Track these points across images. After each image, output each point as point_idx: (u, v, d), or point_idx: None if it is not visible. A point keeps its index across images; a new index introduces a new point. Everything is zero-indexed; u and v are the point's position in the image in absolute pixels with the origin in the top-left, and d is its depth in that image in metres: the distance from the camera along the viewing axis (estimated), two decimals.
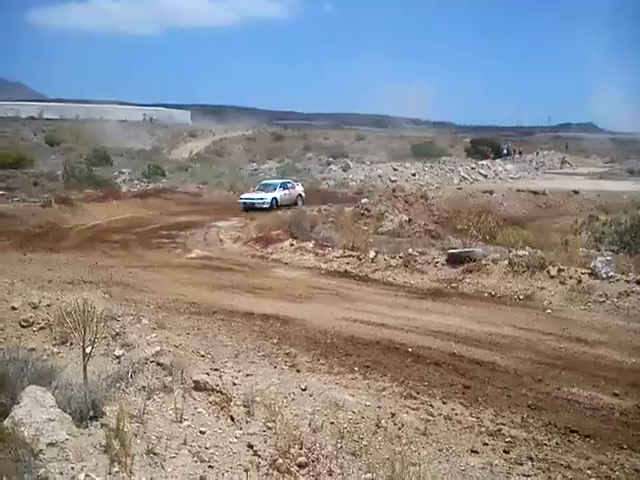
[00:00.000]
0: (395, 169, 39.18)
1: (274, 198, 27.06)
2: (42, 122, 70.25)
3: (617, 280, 10.84)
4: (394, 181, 35.97)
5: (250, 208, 26.42)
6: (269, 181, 30.51)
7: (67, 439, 4.50)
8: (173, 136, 71.65)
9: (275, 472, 4.68)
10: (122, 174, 37.34)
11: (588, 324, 9.46)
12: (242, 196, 27.92)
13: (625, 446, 5.50)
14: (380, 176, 37.52)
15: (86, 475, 4.19)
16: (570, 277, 11.17)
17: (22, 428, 4.41)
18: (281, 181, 29.90)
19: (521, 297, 11.01)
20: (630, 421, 6.10)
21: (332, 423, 5.53)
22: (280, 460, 4.81)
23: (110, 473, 4.38)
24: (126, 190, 31.41)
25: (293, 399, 5.97)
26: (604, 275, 10.96)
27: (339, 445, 5.18)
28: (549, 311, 10.18)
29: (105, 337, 6.92)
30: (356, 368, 7.16)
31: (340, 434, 5.34)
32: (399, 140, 71.89)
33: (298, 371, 6.92)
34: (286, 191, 28.18)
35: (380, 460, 4.96)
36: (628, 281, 10.72)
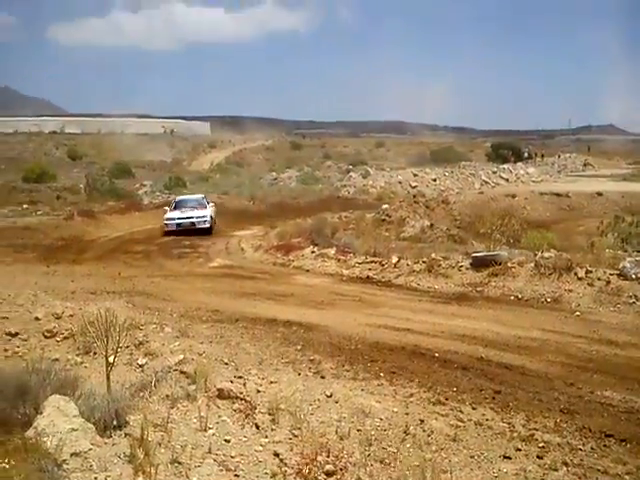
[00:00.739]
0: (415, 175, 38.96)
1: (211, 216, 22.77)
2: (64, 136, 71.19)
3: None
4: (415, 187, 35.75)
5: (184, 231, 21.47)
6: (187, 197, 25.57)
7: (90, 449, 4.45)
8: (193, 147, 72.18)
9: None
10: (144, 186, 37.60)
11: (618, 326, 9.21)
12: (168, 216, 22.38)
13: None
14: (400, 182, 37.32)
15: None
16: (598, 279, 10.90)
17: (45, 438, 4.37)
18: (201, 196, 25.51)
19: (548, 300, 10.77)
20: None
21: (359, 430, 5.41)
22: (307, 468, 4.69)
23: None
24: (148, 202, 31.60)
25: (318, 406, 5.86)
26: (633, 276, 10.68)
27: (367, 453, 5.05)
28: (578, 313, 9.93)
29: (128, 346, 6.90)
30: (382, 374, 7.03)
31: (368, 441, 5.21)
32: (418, 146, 71.64)
33: (323, 377, 6.80)
34: (213, 208, 23.76)
35: (410, 467, 4.82)
36: None
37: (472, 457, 5.06)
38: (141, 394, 5.73)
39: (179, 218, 22.29)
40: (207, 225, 22.23)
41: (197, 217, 22.35)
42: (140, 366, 6.72)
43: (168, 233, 21.76)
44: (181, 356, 6.65)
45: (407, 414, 5.79)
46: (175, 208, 23.26)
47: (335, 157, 59.08)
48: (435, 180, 38.33)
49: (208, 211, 22.86)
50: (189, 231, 21.52)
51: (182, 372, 6.22)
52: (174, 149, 68.53)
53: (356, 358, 7.63)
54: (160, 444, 4.85)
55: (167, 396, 5.70)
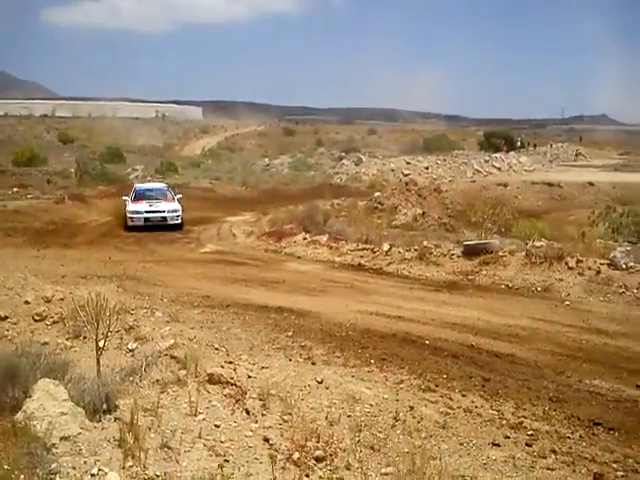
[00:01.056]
0: (408, 163, 38.88)
1: (181, 209, 20.07)
2: (55, 120, 70.62)
3: (637, 271, 10.62)
4: (407, 175, 35.70)
5: (151, 226, 19.09)
6: (149, 185, 22.82)
7: (80, 433, 4.43)
8: (185, 132, 71.77)
9: (292, 466, 4.58)
10: (135, 171, 37.34)
11: (608, 315, 9.27)
12: (132, 208, 19.53)
13: None
14: (393, 170, 37.26)
15: (99, 469, 4.11)
16: (589, 268, 10.96)
17: (34, 422, 4.34)
18: (165, 185, 22.74)
19: (539, 289, 10.82)
20: None
21: (349, 416, 5.42)
22: (297, 454, 4.70)
23: (124, 468, 4.30)
24: None
25: (309, 392, 5.87)
26: (623, 266, 10.74)
27: (357, 439, 5.06)
28: (568, 303, 9.99)
29: (118, 331, 6.86)
30: (372, 361, 7.04)
31: (358, 427, 5.22)
32: (411, 134, 71.49)
33: (314, 364, 6.81)
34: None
35: (399, 454, 4.84)
36: None
37: (461, 444, 5.09)
38: (131, 378, 5.70)
39: (147, 212, 19.48)
40: (179, 221, 19.72)
41: (169, 211, 19.64)
42: (130, 350, 6.68)
43: (130, 228, 19.12)
44: (172, 341, 6.62)
45: (397, 400, 5.81)
46: (137, 199, 20.26)
47: (328, 144, 58.87)
48: (427, 168, 38.28)
49: (178, 204, 20.12)
50: (156, 227, 19.17)
51: (173, 357, 6.19)
52: (166, 134, 68.12)
53: (347, 345, 7.64)
54: (150, 429, 4.84)
55: (157, 381, 5.68)
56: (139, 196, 20.52)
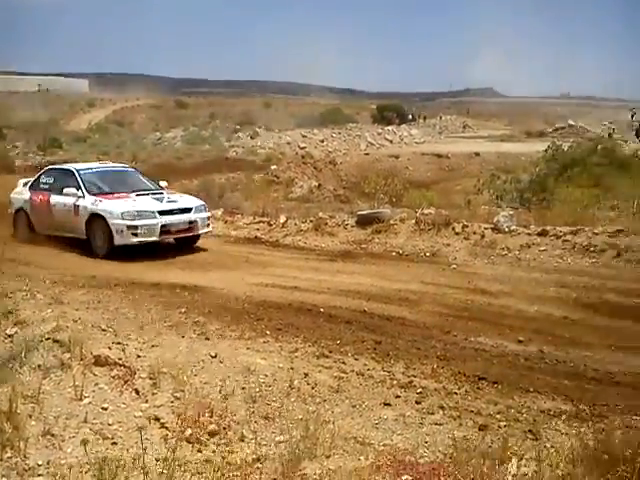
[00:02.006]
0: (304, 136, 39.00)
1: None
2: None
3: (518, 233, 11.26)
4: (303, 148, 35.80)
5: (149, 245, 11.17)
6: (105, 166, 14.03)
7: None
8: (71, 106, 67.85)
9: (184, 443, 4.47)
10: (15, 147, 35.03)
11: (492, 276, 9.75)
12: (124, 209, 11.06)
13: (531, 389, 5.66)
14: (289, 143, 37.23)
15: None
16: (474, 233, 11.50)
17: None
18: (127, 166, 15.03)
19: (427, 254, 11.23)
20: (534, 365, 6.33)
21: (243, 388, 5.37)
22: (189, 430, 4.60)
23: (1, 459, 4.03)
24: (20, 163, 29.44)
25: (202, 367, 5.75)
26: (506, 229, 11.35)
27: (251, 410, 5.02)
28: (454, 266, 10.43)
29: None
30: (268, 332, 7.01)
31: (252, 399, 5.19)
32: (307, 107, 71.52)
33: (207, 339, 6.68)
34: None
35: (294, 421, 4.85)
36: (529, 234, 11.16)
37: (354, 406, 5.18)
38: (10, 365, 5.34)
39: (163, 213, 11.24)
40: (210, 227, 12.30)
41: (197, 209, 11.80)
42: (9, 336, 6.24)
43: (114, 251, 11.06)
44: (54, 324, 6.27)
45: (292, 369, 5.82)
46: (92, 191, 11.74)
47: (223, 117, 57.70)
48: (323, 141, 38.61)
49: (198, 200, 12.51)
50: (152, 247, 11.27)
51: (55, 340, 5.85)
52: (49, 108, 64.02)
53: (242, 318, 7.56)
54: (31, 416, 4.56)
55: (39, 366, 5.36)
56: (90, 186, 11.89)
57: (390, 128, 46.04)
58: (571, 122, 45.19)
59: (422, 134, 46.76)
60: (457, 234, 11.57)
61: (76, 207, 11.69)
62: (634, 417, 5.06)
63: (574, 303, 8.41)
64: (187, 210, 11.71)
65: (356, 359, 6.24)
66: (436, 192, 19.24)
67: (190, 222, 11.67)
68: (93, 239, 11.45)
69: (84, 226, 11.52)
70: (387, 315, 7.77)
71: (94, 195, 11.72)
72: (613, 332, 7.31)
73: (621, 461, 3.88)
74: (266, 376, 5.63)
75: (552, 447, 4.53)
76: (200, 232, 11.91)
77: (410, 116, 59.16)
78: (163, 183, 13.11)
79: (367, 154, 32.21)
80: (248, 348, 6.43)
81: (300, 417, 4.87)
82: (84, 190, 11.84)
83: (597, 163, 18.47)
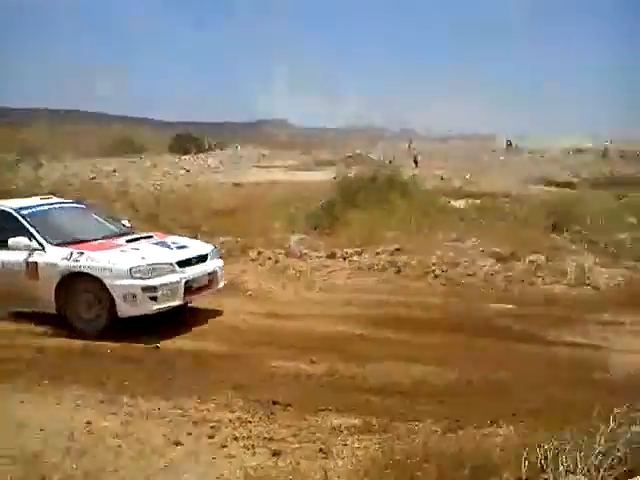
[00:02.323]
0: (95, 166, 36.98)
1: None
2: None
3: (310, 257, 11.71)
4: (92, 178, 33.86)
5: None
6: (51, 201, 9.77)
7: None
8: None
9: None
10: None
11: (286, 300, 9.97)
12: (133, 263, 7.76)
13: (322, 407, 5.79)
14: (77, 174, 34.97)
15: None
16: (269, 258, 11.76)
17: None
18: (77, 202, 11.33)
19: (226, 282, 11.13)
20: (324, 384, 6.52)
21: None
22: None
23: None
24: None
25: None
26: (298, 253, 11.76)
27: None
28: (250, 292, 10.48)
29: None
30: None
31: None
32: (97, 135, 68.09)
33: None
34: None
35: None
36: (319, 257, 11.69)
37: (140, 452, 4.85)
38: None
39: (182, 263, 8.29)
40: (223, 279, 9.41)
41: (212, 256, 9.05)
42: None
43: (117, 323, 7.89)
44: None
45: (72, 418, 5.30)
46: (55, 240, 8.20)
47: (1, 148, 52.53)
48: (115, 171, 36.91)
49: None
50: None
51: None
52: None
53: None
54: None
55: None
56: (52, 232, 8.38)
57: (187, 157, 45.60)
58: (358, 151, 48.65)
59: (219, 163, 46.96)
60: (253, 260, 11.71)
61: (31, 266, 8.03)
62: (416, 424, 5.40)
63: (363, 319, 8.87)
64: (204, 258, 8.78)
65: (146, 400, 5.89)
66: (234, 220, 19.29)
67: (209, 274, 8.80)
68: (73, 313, 7.86)
69: (53, 294, 7.88)
70: (180, 349, 7.49)
71: (60, 246, 8.16)
72: (397, 344, 7.82)
73: (407, 469, 4.08)
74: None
75: (341, 463, 4.64)
76: (219, 286, 9.14)
77: (207, 145, 59.21)
78: (125, 222, 10.16)
79: (162, 184, 31.44)
80: None
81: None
82: (40, 239, 8.18)
83: (379, 188, 19.94)
